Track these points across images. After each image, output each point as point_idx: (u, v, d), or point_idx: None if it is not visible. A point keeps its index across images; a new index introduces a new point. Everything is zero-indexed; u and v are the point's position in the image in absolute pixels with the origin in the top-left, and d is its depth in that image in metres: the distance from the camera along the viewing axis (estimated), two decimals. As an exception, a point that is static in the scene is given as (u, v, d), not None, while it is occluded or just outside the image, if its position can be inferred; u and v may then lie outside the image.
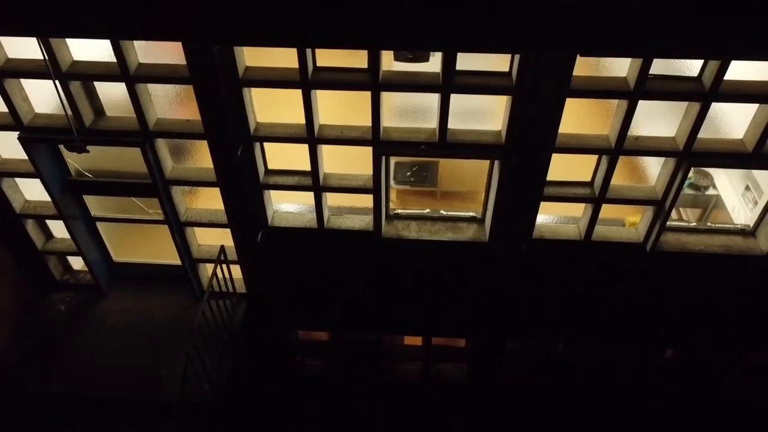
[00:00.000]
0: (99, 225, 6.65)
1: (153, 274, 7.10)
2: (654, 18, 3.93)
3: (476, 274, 6.46)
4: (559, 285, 6.50)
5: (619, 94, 4.90)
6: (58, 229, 6.69)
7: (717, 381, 7.90)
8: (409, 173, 8.24)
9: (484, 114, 5.70)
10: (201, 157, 6.10)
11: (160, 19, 4.19)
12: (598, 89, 4.87)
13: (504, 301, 6.75)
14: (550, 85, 4.74)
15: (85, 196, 6.33)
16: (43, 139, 5.47)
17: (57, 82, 5.00)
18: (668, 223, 5.80)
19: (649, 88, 4.85)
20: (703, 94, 4.83)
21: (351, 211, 6.44)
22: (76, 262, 7.13)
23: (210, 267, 6.54)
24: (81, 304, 7.00)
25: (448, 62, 4.78)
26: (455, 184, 8.26)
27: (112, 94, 5.51)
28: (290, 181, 5.83)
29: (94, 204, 6.47)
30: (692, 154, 5.24)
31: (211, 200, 6.33)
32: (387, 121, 5.45)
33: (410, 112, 5.81)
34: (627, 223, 6.33)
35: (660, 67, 4.89)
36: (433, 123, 5.43)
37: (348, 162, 5.99)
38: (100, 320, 6.82)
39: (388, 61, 5.10)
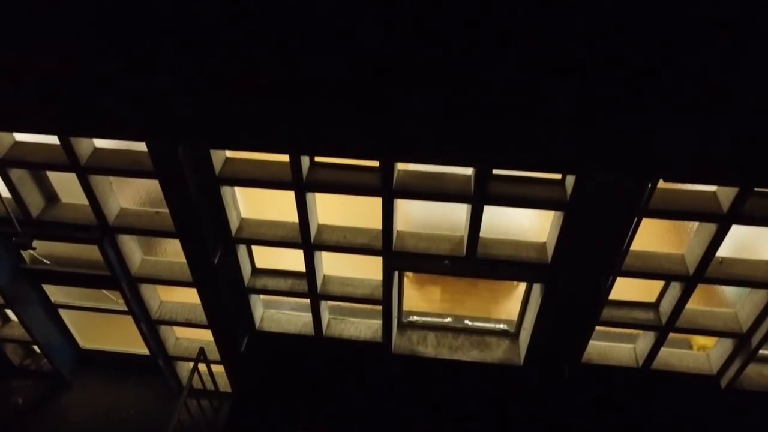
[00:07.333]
0: (62, 312, 5.67)
1: (125, 363, 6.10)
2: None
3: (506, 400, 5.32)
4: (605, 418, 5.31)
5: (709, 217, 3.73)
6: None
7: None
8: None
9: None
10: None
11: (109, 116, 3.16)
12: (682, 210, 3.71)
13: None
14: (619, 203, 3.61)
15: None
16: (-19, 230, 4.49)
17: (-8, 168, 4.03)
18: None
19: (747, 209, 3.68)
20: (822, 221, 3.65)
21: (355, 312, 5.34)
22: (40, 345, 6.15)
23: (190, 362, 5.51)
24: (41, 395, 6.04)
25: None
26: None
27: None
28: (282, 285, 4.77)
29: (55, 290, 5.49)
30: (795, 287, 4.06)
31: (191, 292, 5.27)
32: (402, 221, 4.35)
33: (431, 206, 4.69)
34: (695, 346, 5.13)
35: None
36: (460, 229, 4.33)
37: (353, 259, 4.90)
38: (60, 417, 5.84)
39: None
